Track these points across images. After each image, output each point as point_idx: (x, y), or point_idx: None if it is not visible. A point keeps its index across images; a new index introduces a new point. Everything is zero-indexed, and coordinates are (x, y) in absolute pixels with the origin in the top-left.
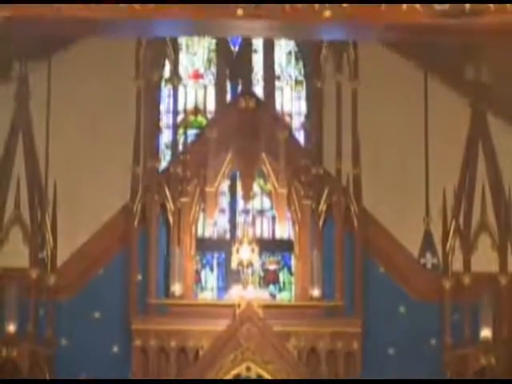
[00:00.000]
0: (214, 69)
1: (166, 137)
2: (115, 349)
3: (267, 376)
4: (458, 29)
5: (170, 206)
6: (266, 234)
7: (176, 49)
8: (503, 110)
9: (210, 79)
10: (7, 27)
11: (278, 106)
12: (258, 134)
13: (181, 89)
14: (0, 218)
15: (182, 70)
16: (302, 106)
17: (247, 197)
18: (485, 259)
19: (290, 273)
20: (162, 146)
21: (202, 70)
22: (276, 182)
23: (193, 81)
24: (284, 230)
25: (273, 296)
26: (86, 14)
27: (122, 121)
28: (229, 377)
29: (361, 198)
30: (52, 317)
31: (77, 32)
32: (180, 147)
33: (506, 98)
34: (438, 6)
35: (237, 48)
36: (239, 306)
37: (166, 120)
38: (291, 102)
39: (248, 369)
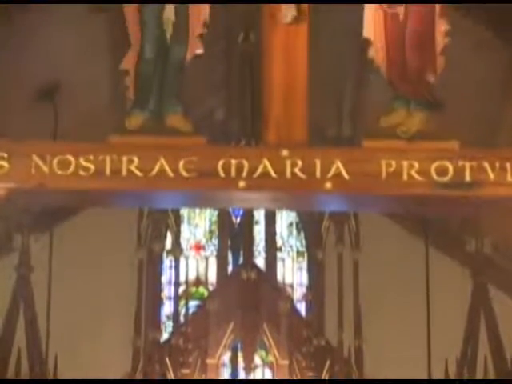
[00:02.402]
0: (215, 240)
1: (167, 308)
2: None
3: None
4: (459, 200)
5: (170, 377)
6: None
7: (178, 220)
8: (504, 282)
9: (211, 250)
10: (8, 200)
11: (279, 277)
12: (259, 305)
13: (182, 260)
14: None
15: (183, 242)
16: (304, 277)
17: (248, 368)
18: None
19: None
20: (164, 318)
21: (203, 242)
22: (277, 353)
23: (194, 252)
24: None
25: None
26: (87, 186)
27: (123, 292)
28: None
29: (362, 368)
30: None
31: (78, 203)
32: (181, 318)
33: (507, 269)
34: (438, 178)
35: (238, 219)
36: None
37: (167, 291)
38: (293, 273)
39: None
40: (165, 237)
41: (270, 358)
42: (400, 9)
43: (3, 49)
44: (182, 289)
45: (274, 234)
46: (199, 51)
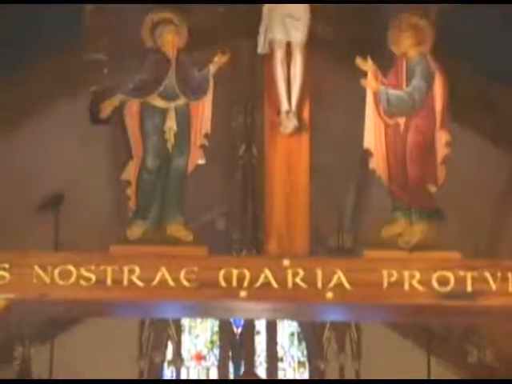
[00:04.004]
0: (216, 350)
1: None
2: None
3: None
4: (460, 310)
5: None
6: None
7: (179, 330)
8: None
9: (212, 361)
10: (8, 311)
11: None
12: None
13: (183, 370)
14: None
15: (184, 352)
16: None
17: None
18: None
19: None
20: None
21: (204, 352)
22: None
23: (195, 362)
24: None
25: None
26: (88, 296)
27: None
28: None
29: None
30: None
31: (79, 313)
32: None
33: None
34: (439, 288)
35: (239, 329)
36: None
37: None
38: None
39: None
40: (166, 347)
41: None
42: (401, 120)
43: (6, 159)
44: None
45: (275, 344)
46: (201, 161)
